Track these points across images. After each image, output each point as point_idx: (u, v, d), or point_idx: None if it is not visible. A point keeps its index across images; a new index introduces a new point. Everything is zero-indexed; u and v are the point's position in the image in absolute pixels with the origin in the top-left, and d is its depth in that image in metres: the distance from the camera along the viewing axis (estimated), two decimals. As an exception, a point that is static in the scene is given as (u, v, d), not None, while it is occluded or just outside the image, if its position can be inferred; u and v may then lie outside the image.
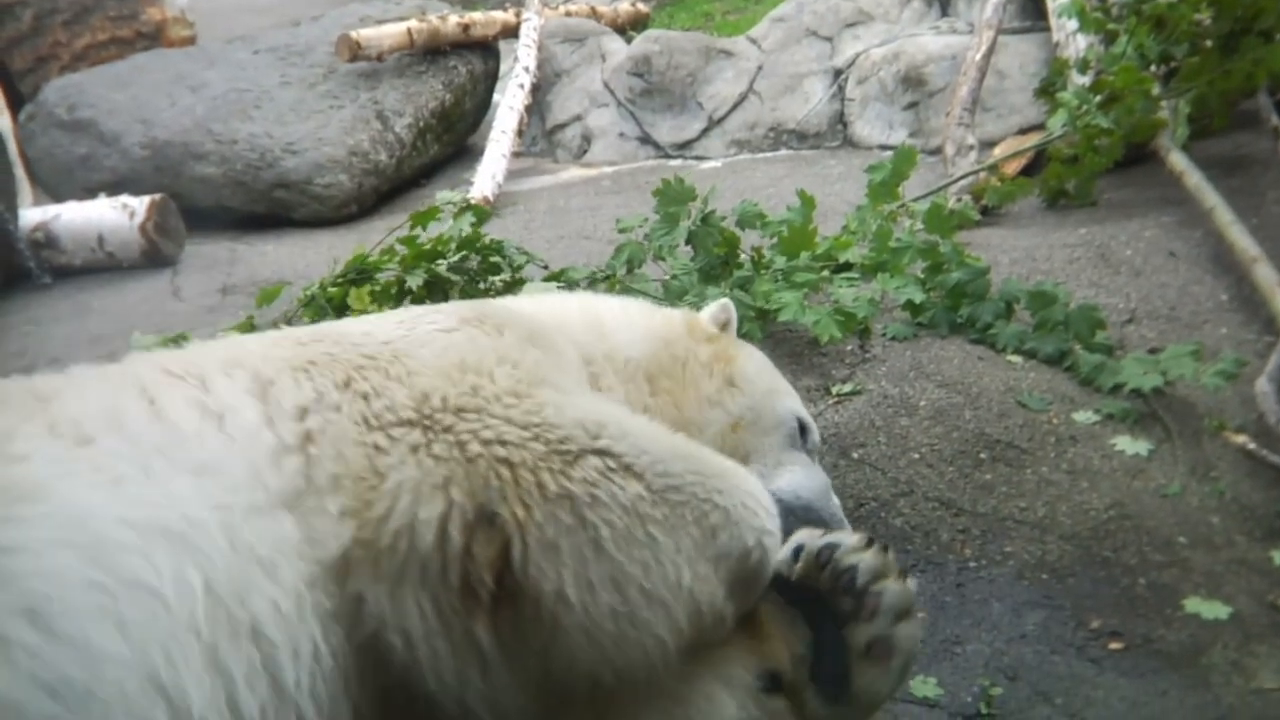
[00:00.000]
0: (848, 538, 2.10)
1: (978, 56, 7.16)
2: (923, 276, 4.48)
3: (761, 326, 4.32)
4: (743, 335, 4.06)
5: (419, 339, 2.08)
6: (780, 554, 2.10)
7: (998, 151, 6.71)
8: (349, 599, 1.69)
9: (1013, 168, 6.33)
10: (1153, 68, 5.77)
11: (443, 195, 5.68)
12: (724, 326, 2.88)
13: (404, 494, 1.74)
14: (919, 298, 4.33)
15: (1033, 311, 4.16)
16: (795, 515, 2.48)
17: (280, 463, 1.73)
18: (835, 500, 2.71)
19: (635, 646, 1.79)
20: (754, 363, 2.82)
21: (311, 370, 1.92)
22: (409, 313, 2.28)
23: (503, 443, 1.82)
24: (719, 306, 2.93)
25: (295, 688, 1.61)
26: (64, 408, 1.73)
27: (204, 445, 1.71)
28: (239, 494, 1.67)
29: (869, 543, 2.09)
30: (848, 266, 4.75)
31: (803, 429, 2.73)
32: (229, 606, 1.58)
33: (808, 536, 2.12)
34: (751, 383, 2.73)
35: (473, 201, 6.86)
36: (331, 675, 1.67)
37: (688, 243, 4.64)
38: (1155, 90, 5.56)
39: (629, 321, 2.70)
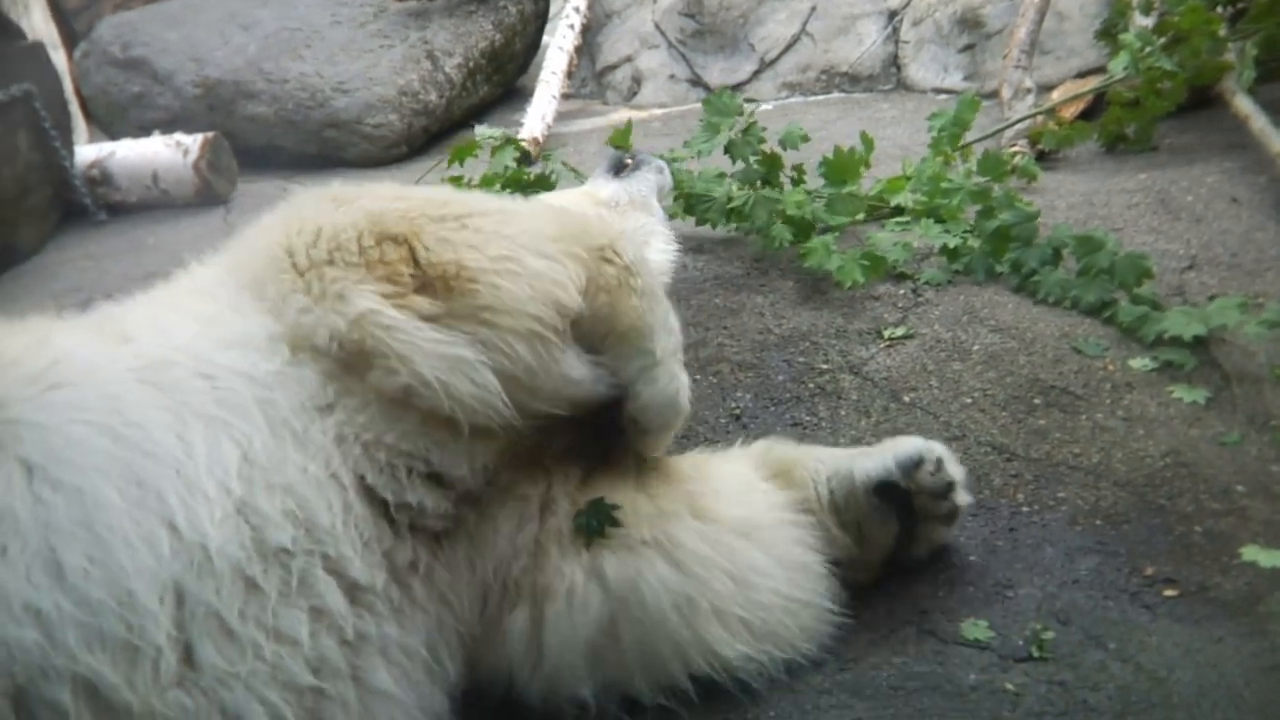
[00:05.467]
0: (947, 452, 2.76)
1: (1038, -2, 7.00)
2: (972, 223, 4.42)
3: (791, 230, 4.44)
4: (772, 238, 4.42)
5: None
6: (891, 461, 2.72)
7: (1055, 95, 6.57)
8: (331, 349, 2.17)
9: (1071, 111, 6.20)
10: (1219, 9, 5.61)
11: (481, 130, 5.59)
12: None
13: (325, 227, 2.30)
14: (953, 243, 4.28)
15: (1078, 257, 4.06)
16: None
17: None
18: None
19: (540, 286, 2.26)
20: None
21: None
22: None
23: (398, 200, 2.41)
24: None
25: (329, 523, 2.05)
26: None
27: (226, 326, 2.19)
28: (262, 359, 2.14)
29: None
30: (900, 211, 4.73)
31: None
32: (265, 469, 1.98)
33: (919, 449, 2.75)
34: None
35: (519, 139, 6.86)
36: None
37: (726, 152, 4.66)
38: (1222, 31, 5.41)
39: None
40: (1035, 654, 2.51)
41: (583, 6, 9.61)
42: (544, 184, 5.07)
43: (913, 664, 2.56)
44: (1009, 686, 2.44)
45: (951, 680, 2.48)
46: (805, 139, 4.75)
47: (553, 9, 10.14)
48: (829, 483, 2.72)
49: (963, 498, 2.78)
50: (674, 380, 2.58)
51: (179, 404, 1.95)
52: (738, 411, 3.66)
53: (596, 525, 2.47)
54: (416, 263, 2.26)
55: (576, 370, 2.37)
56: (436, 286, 2.23)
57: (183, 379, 2.01)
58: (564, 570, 2.42)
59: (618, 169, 4.31)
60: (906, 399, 3.59)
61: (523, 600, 2.40)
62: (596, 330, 2.44)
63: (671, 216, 4.66)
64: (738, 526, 2.58)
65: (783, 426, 3.56)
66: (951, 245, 4.29)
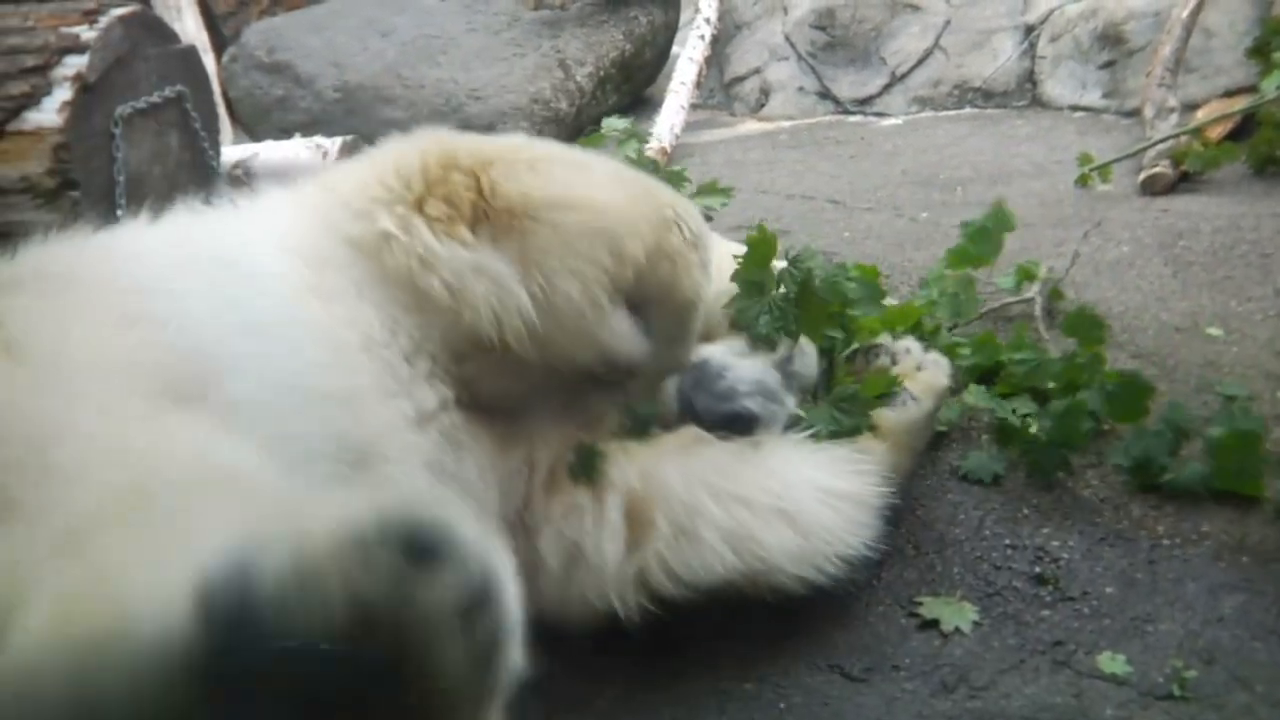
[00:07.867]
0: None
1: (1184, 14, 6.79)
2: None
3: None
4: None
5: None
6: None
7: (1201, 114, 6.37)
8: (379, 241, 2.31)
9: (1218, 131, 6.00)
10: (1382, 28, 5.40)
11: (609, 123, 5.41)
12: None
13: (390, 149, 2.52)
14: (1013, 420, 3.26)
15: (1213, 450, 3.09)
16: None
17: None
18: None
19: (604, 229, 2.29)
20: None
21: None
22: None
23: (477, 140, 2.54)
24: None
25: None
26: None
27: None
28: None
29: None
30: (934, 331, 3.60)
31: None
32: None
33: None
34: None
35: (648, 149, 6.88)
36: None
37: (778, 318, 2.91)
38: (1384, 52, 5.20)
39: None
40: (1177, 693, 2.44)
41: (713, 17, 9.63)
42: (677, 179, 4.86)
43: (1045, 695, 2.50)
44: (1148, 725, 2.38)
45: (1086, 714, 2.43)
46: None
47: (683, 19, 10.18)
48: None
49: None
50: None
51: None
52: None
53: (583, 469, 2.48)
54: (481, 193, 2.30)
55: (621, 328, 2.39)
56: (498, 221, 2.29)
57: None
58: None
59: (786, 360, 2.94)
60: (1041, 423, 3.51)
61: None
62: (651, 296, 2.44)
63: None
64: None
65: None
66: (1010, 423, 3.25)
